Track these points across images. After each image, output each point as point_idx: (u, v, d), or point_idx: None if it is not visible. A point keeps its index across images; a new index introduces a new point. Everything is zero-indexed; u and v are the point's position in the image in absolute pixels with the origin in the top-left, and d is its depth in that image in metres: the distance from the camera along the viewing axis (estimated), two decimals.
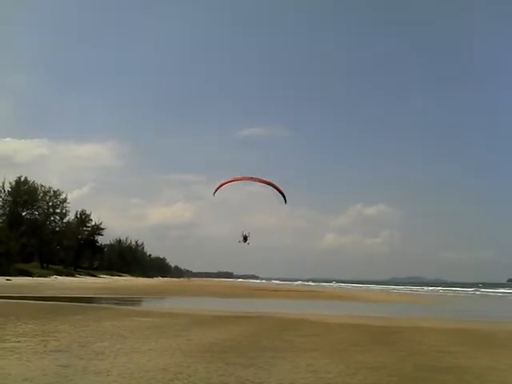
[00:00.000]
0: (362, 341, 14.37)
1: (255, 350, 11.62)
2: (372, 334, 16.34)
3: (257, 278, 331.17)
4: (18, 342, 11.62)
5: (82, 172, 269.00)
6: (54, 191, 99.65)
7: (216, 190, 24.81)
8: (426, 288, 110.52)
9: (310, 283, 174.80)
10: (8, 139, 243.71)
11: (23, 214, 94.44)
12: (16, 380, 7.66)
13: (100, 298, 35.36)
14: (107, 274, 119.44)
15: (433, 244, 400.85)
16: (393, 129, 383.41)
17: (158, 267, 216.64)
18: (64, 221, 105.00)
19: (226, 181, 24.61)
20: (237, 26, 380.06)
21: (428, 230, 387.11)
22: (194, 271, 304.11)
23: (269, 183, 25.42)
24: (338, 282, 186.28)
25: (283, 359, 10.56)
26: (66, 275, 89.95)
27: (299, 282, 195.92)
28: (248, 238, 25.79)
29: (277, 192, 24.96)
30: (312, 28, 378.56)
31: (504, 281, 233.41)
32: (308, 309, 31.65)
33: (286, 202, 25.33)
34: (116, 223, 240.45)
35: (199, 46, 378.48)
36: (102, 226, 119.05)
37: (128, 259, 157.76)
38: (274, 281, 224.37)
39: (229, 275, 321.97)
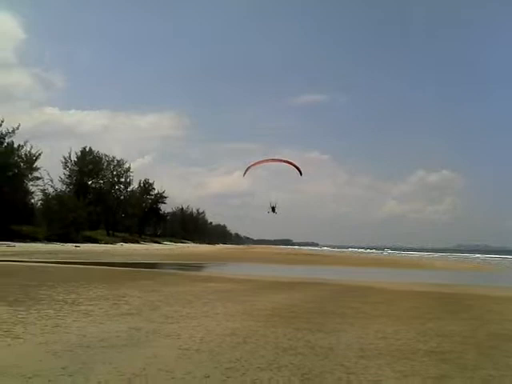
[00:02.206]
0: (431, 308, 14.06)
1: (322, 316, 11.56)
2: (440, 302, 15.99)
3: (316, 245, 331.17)
4: (91, 305, 12.01)
5: (144, 142, 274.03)
6: (118, 161, 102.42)
7: (245, 173, 26.36)
8: (490, 256, 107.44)
9: (362, 250, 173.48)
10: (72, 111, 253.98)
11: (89, 183, 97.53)
12: (91, 341, 7.88)
13: (165, 264, 36.25)
14: (170, 241, 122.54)
15: (500, 211, 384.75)
16: (457, 90, 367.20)
17: (219, 234, 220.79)
18: (128, 189, 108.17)
19: (254, 163, 26.09)
20: None
21: (495, 197, 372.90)
22: (254, 238, 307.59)
23: (282, 160, 26.57)
24: (400, 249, 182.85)
25: (351, 325, 10.45)
26: (132, 242, 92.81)
27: (350, 249, 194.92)
28: (276, 208, 26.38)
29: (293, 167, 25.88)
30: None
31: None
32: (368, 276, 31.35)
33: (301, 174, 26.07)
34: (177, 192, 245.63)
35: (257, 14, 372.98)
36: (164, 195, 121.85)
37: (190, 227, 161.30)
38: (325, 248, 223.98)
39: (288, 242, 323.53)
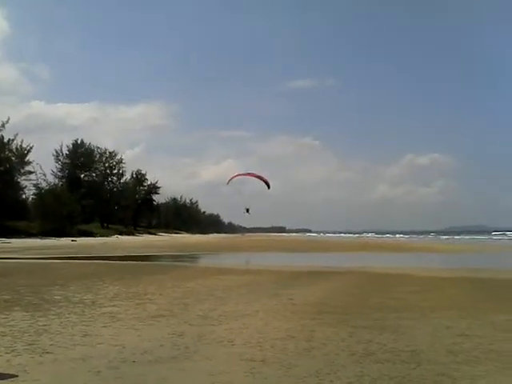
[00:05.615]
0: (481, 296, 13.03)
1: (373, 311, 10.40)
2: (485, 288, 14.98)
3: (309, 231, 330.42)
4: (114, 306, 10.81)
5: (133, 133, 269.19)
6: (110, 152, 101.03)
7: (228, 182, 32.12)
8: (487, 237, 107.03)
9: (357, 235, 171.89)
10: (60, 104, 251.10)
11: (81, 176, 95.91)
12: (135, 353, 6.66)
13: (169, 256, 34.97)
14: (165, 232, 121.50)
15: (493, 191, 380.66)
16: (446, 71, 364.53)
17: (213, 224, 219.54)
18: (121, 181, 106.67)
19: (235, 175, 32.38)
20: None
21: (489, 177, 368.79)
22: (247, 227, 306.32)
23: (255, 175, 31.96)
24: (393, 233, 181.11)
25: (413, 320, 9.29)
26: (127, 234, 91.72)
27: (341, 234, 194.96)
28: (249, 210, 31.84)
29: (262, 181, 31.24)
30: None
31: None
32: (384, 261, 30.05)
33: (269, 187, 31.58)
34: (169, 182, 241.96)
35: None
36: (157, 185, 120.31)
37: (183, 217, 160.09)
38: (308, 234, 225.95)
39: (282, 230, 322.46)
